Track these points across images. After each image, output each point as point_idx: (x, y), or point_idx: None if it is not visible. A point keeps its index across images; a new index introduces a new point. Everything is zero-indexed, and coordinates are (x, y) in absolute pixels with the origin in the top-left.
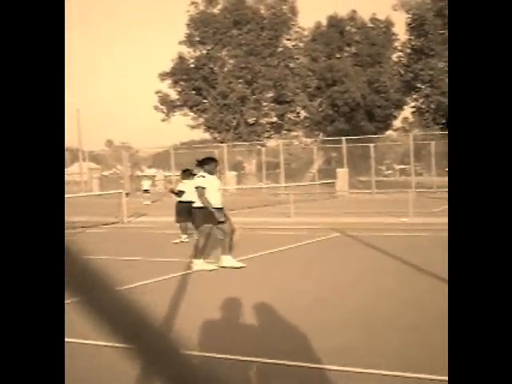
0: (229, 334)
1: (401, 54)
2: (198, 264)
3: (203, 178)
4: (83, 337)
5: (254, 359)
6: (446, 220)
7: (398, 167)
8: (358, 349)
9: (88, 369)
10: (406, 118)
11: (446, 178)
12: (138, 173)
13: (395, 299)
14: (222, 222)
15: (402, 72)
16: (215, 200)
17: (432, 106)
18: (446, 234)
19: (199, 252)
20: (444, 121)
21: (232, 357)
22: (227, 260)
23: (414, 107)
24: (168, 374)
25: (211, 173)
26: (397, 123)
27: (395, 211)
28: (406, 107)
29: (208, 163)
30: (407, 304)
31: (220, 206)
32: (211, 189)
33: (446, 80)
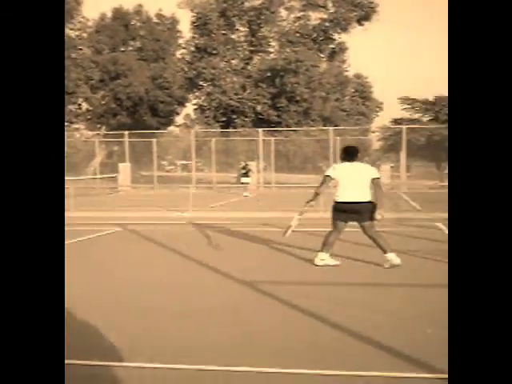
0: None
1: (185, 51)
2: None
3: None
4: None
5: None
6: (221, 215)
7: (179, 163)
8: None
9: None
10: (188, 115)
11: (225, 174)
12: None
13: (173, 290)
14: None
15: (186, 69)
16: None
17: (213, 104)
18: (221, 228)
19: None
20: (224, 119)
21: None
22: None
23: (195, 104)
24: None
25: None
26: (179, 119)
27: (175, 206)
28: (188, 104)
29: None
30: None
31: None
32: None
33: (227, 79)
